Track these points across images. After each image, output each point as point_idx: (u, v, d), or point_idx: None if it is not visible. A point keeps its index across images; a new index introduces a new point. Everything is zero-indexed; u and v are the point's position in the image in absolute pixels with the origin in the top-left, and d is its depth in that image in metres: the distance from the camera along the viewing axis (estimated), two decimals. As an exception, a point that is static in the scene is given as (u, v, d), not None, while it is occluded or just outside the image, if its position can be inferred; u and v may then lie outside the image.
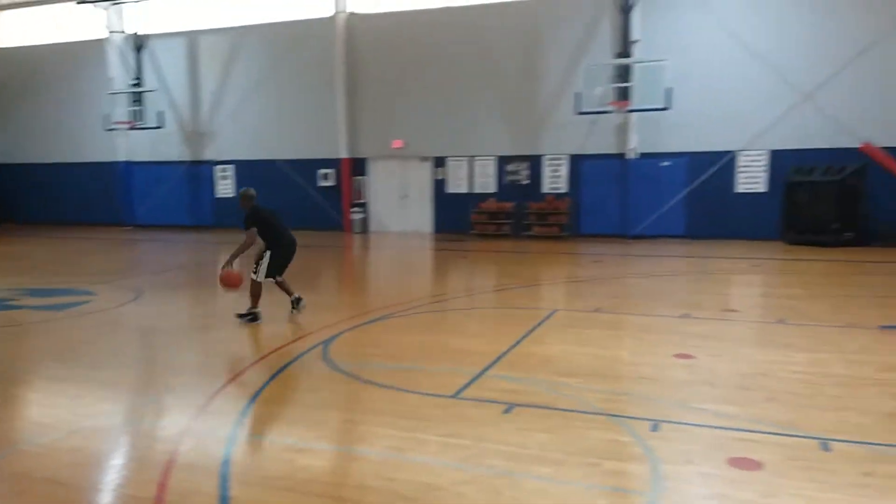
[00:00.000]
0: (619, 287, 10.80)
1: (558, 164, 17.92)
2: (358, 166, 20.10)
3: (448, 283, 12.40)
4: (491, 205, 18.51)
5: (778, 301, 9.47)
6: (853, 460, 4.15)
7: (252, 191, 8.30)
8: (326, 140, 19.92)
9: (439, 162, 19.22)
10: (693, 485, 3.84)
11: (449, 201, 19.18)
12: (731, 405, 5.16)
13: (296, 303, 8.39)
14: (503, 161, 18.48)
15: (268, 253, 8.12)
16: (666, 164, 16.63)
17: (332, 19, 19.38)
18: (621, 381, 5.84)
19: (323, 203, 20.38)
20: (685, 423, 4.81)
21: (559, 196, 17.91)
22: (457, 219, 18.86)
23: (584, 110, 15.56)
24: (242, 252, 7.97)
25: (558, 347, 6.95)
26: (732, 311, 8.66)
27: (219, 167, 21.77)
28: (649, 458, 4.18)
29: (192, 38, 21.47)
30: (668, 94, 14.64)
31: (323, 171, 20.17)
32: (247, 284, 8.12)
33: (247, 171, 21.23)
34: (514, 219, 18.23)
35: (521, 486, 3.83)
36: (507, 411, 5.02)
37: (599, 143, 17.24)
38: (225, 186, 21.78)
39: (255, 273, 8.08)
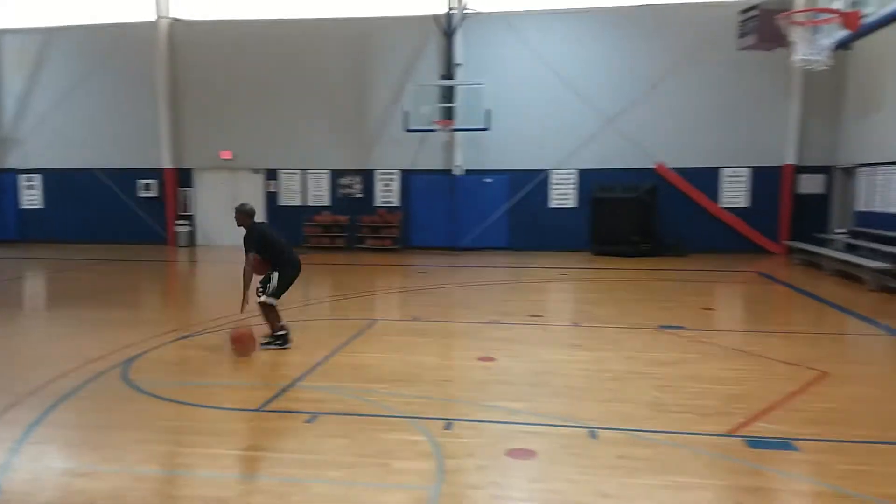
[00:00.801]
0: (439, 297, 11.28)
1: (390, 179, 18.32)
2: (183, 177, 19.22)
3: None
4: (325, 218, 18.50)
5: (576, 306, 10.39)
6: (613, 445, 4.70)
7: (251, 206, 7.54)
8: (148, 149, 18.88)
9: (271, 174, 18.90)
10: (470, 476, 4.18)
11: (281, 214, 18.86)
12: (519, 401, 5.63)
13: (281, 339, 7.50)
14: (336, 174, 18.56)
15: (276, 274, 7.31)
16: (488, 180, 17.63)
17: (154, 24, 18.44)
18: (424, 384, 6.14)
19: (144, 215, 19.24)
20: (475, 421, 5.20)
21: (391, 210, 18.30)
22: (290, 232, 18.52)
23: (412, 128, 16.10)
24: (251, 281, 7.12)
25: (371, 356, 7.15)
26: (537, 315, 9.37)
27: (24, 176, 19.85)
28: (436, 455, 4.47)
29: (-8, 37, 19.51)
30: (488, 115, 15.58)
31: (144, 181, 19.06)
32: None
33: (57, 180, 19.60)
34: (347, 232, 18.35)
35: (309, 491, 3.95)
36: (310, 420, 5.12)
37: (428, 159, 17.89)
38: (31, 197, 19.91)
39: (261, 293, 7.27)
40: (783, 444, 4.60)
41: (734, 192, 16.74)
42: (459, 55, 17.08)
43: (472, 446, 4.63)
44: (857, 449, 4.58)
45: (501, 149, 17.29)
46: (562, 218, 17.42)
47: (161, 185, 19.05)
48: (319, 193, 18.69)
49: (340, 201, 18.56)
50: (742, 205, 16.71)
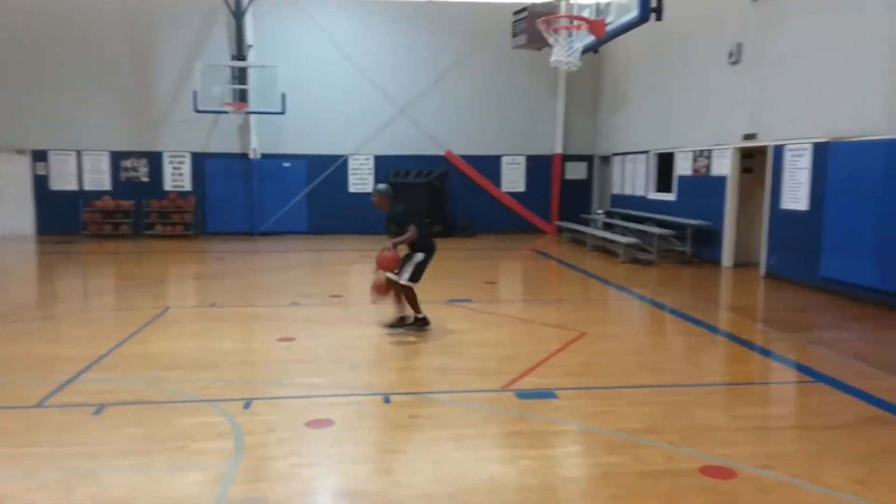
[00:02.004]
0: (238, 282, 11.10)
1: (180, 162, 17.39)
2: (-78, 157, 16.59)
3: (48, 289, 11.15)
4: (106, 203, 17.10)
5: (375, 286, 10.81)
6: (404, 407, 5.16)
7: (389, 187, 7.34)
8: None
9: (40, 156, 16.99)
10: (270, 449, 4.37)
11: (54, 199, 17.14)
12: (319, 377, 5.90)
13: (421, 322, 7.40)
14: (118, 156, 17.20)
15: (420, 255, 7.18)
16: (287, 165, 17.47)
17: None
18: (223, 368, 6.15)
19: None
20: (275, 398, 5.37)
21: (183, 194, 17.40)
22: (65, 218, 16.94)
23: (202, 109, 15.43)
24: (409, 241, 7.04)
25: (164, 344, 6.96)
26: (337, 296, 9.67)
27: None
28: (235, 433, 4.59)
29: None
30: (283, 98, 15.43)
31: None
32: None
33: None
34: (133, 217, 17.13)
35: (99, 482, 3.87)
36: (96, 412, 4.93)
37: (222, 142, 17.27)
38: None
39: (400, 275, 7.11)
40: (546, 394, 5.37)
41: (513, 178, 18.34)
42: (251, 36, 16.65)
43: (272, 422, 4.81)
44: (603, 394, 5.49)
45: (299, 133, 17.23)
46: (361, 202, 17.77)
47: None
48: (99, 177, 17.21)
49: (124, 185, 17.26)
50: (520, 189, 18.36)
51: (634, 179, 15.95)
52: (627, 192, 16.32)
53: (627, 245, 13.11)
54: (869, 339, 7.42)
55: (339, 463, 4.19)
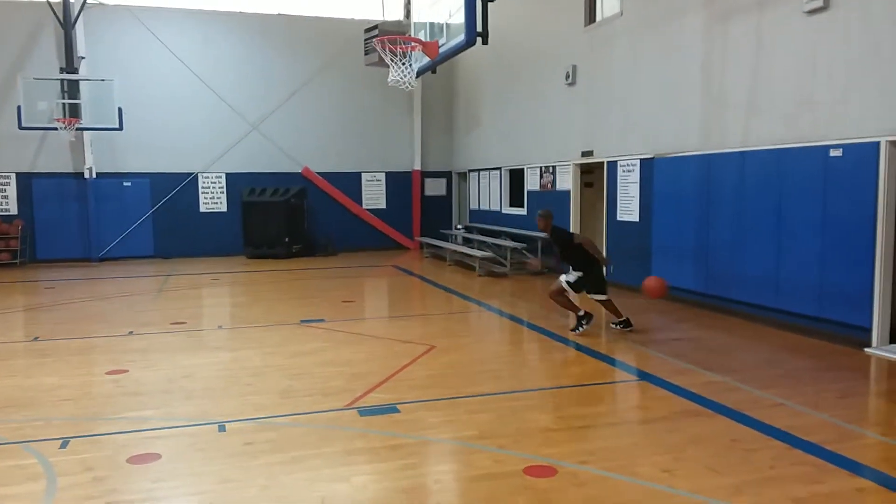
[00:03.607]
0: (69, 312, 10.26)
1: (4, 184, 15.87)
2: None
3: None
4: (-89, 230, 15.21)
5: (224, 310, 10.44)
6: (240, 434, 4.97)
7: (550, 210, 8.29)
8: None
9: None
10: (85, 489, 4.05)
11: None
12: (149, 409, 5.57)
13: (624, 324, 8.22)
14: (-74, 177, 15.41)
15: (580, 273, 8.08)
16: (128, 184, 16.45)
17: None
18: (41, 407, 5.64)
19: None
20: (97, 435, 4.99)
21: (8, 219, 15.87)
22: None
23: (28, 125, 14.19)
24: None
25: (-27, 385, 6.29)
26: (180, 323, 9.19)
27: None
28: (48, 474, 4.23)
29: None
30: (120, 113, 14.54)
31: None
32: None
33: None
34: (-54, 246, 15.37)
35: None
36: None
37: (53, 161, 15.98)
38: None
39: (595, 294, 8.19)
40: (388, 409, 5.40)
41: (374, 194, 18.41)
42: (82, 48, 15.56)
43: (91, 460, 4.47)
44: (444, 404, 5.60)
45: (141, 150, 16.30)
46: (213, 222, 17.12)
47: None
48: None
49: (-64, 209, 15.47)
50: (381, 206, 18.45)
51: (490, 195, 16.53)
52: (484, 207, 16.87)
53: (483, 258, 13.54)
54: (689, 339, 8.12)
55: (161, 498, 3.97)
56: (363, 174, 18.25)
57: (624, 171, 11.33)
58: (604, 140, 11.88)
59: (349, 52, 16.99)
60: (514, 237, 14.20)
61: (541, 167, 13.98)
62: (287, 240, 16.54)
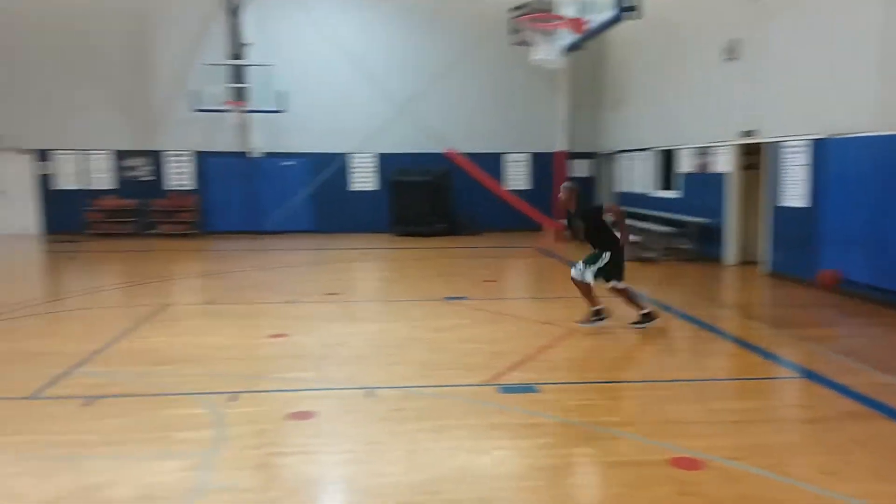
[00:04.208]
0: (237, 280, 11.21)
1: (182, 161, 17.56)
2: (-68, 157, 16.85)
3: (51, 287, 11.34)
4: (110, 202, 17.29)
5: (373, 283, 10.94)
6: (387, 400, 5.22)
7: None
8: None
9: (43, 155, 17.21)
10: (249, 439, 4.44)
11: (58, 199, 17.35)
12: (306, 372, 5.98)
13: (646, 317, 7.39)
14: (121, 155, 17.39)
15: (607, 254, 7.21)
16: (289, 163, 17.60)
17: None
18: (212, 363, 6.25)
19: None
20: (261, 391, 5.46)
21: (185, 193, 17.57)
22: (70, 218, 17.14)
23: (202, 108, 15.55)
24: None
25: (159, 340, 7.06)
26: (333, 294, 9.75)
27: None
28: (217, 424, 4.68)
29: None
30: (282, 97, 15.52)
31: None
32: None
33: None
34: (137, 217, 17.31)
35: (83, 467, 3.98)
36: (86, 404, 5.04)
37: (223, 140, 17.40)
38: None
39: (607, 280, 7.30)
40: (527, 388, 5.42)
41: (517, 175, 18.36)
42: (249, 34, 16.76)
43: (254, 414, 4.89)
44: (585, 388, 5.53)
45: (300, 131, 17.34)
46: (363, 200, 17.92)
47: None
48: (102, 176, 17.40)
49: (127, 184, 17.45)
50: (524, 187, 18.37)
51: (638, 177, 15.93)
52: (631, 189, 16.30)
53: (630, 243, 13.09)
54: (859, 336, 7.40)
55: (316, 452, 4.27)
56: (506, 154, 18.25)
57: (790, 153, 10.45)
58: (766, 119, 11.01)
59: (496, 32, 16.92)
60: (663, 221, 13.60)
61: (695, 148, 13.25)
62: (432, 218, 16.97)
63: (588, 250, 7.46)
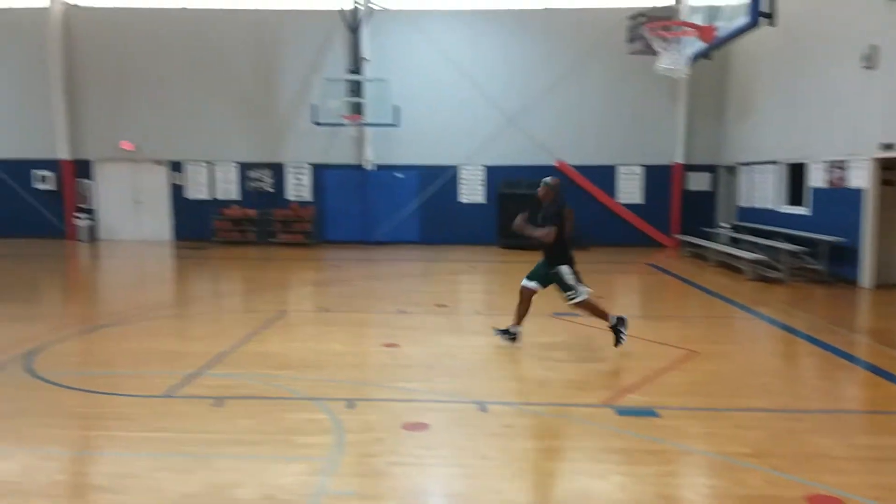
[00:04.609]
0: (350, 288, 11.56)
1: (301, 173, 18.36)
2: (82, 169, 18.56)
3: (183, 291, 12.15)
4: (234, 211, 18.34)
5: (480, 296, 10.95)
6: (499, 416, 5.18)
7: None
8: (42, 140, 18.12)
9: (176, 166, 18.54)
10: (368, 447, 4.55)
11: (189, 207, 18.59)
12: (418, 382, 6.04)
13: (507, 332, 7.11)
14: (245, 167, 18.43)
15: (565, 267, 6.84)
16: (400, 175, 18.00)
17: (47, 10, 17.68)
18: (330, 369, 6.45)
19: (41, 208, 18.46)
20: (376, 400, 5.57)
21: (303, 204, 18.36)
22: (198, 226, 18.35)
23: (321, 122, 16.21)
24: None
25: (279, 345, 7.38)
26: (442, 305, 9.84)
27: None
28: (337, 430, 4.81)
29: None
30: (396, 111, 15.91)
31: (40, 172, 18.27)
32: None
33: (-61, 170, 18.52)
34: (258, 226, 18.26)
35: (213, 466, 4.20)
36: (215, 404, 5.33)
37: (339, 153, 18.06)
38: None
39: (568, 298, 6.79)
40: (646, 412, 5.21)
41: (630, 188, 17.84)
42: (366, 50, 17.35)
43: (371, 422, 5.00)
44: (709, 415, 5.25)
45: (411, 144, 17.70)
46: (471, 213, 18.02)
47: (58, 177, 18.33)
48: (228, 186, 18.51)
49: (250, 195, 18.45)
50: (637, 201, 17.82)
51: (763, 191, 15.07)
52: (755, 204, 15.44)
53: (753, 261, 12.42)
54: None
55: (432, 465, 4.29)
56: (619, 167, 17.80)
57: (939, 167, 9.53)
58: (912, 130, 10.11)
59: (608, 42, 16.63)
60: (791, 239, 12.77)
61: (828, 161, 12.36)
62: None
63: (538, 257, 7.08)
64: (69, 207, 18.41)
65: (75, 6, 18.00)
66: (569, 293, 6.79)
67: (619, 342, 6.88)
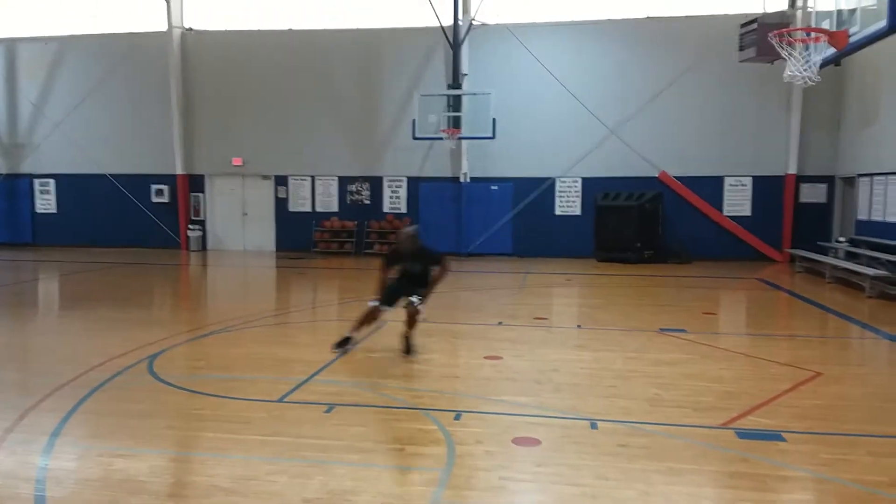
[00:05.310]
0: (447, 300, 11.57)
1: (398, 186, 18.69)
2: (195, 183, 19.65)
3: (285, 299, 12.59)
4: (333, 223, 18.87)
5: (580, 310, 10.71)
6: (613, 435, 5.01)
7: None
8: (160, 155, 19.33)
9: (281, 180, 19.29)
10: (479, 460, 4.50)
11: (291, 219, 19.29)
12: (525, 396, 5.95)
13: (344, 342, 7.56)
14: (345, 181, 18.94)
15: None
16: (494, 188, 17.99)
17: (166, 34, 18.90)
18: (435, 380, 6.47)
19: (157, 220, 19.68)
20: (483, 412, 5.52)
21: (399, 216, 18.65)
22: (299, 237, 19.01)
23: (420, 136, 16.44)
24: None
25: (382, 354, 7.48)
26: (541, 318, 9.70)
27: (39, 181, 20.34)
28: (447, 441, 4.79)
29: (9, 46, 20.10)
30: (494, 124, 15.91)
31: (157, 186, 19.49)
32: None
33: (71, 185, 20.10)
34: (356, 237, 18.71)
35: (331, 472, 4.27)
36: (328, 411, 5.44)
37: (435, 166, 18.25)
38: (45, 201, 20.39)
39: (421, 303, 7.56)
40: (772, 436, 4.90)
41: (737, 200, 17.03)
42: (466, 65, 17.48)
43: (481, 435, 4.95)
44: (839, 440, 4.88)
45: (507, 157, 17.64)
46: (567, 225, 17.74)
47: (173, 191, 19.48)
48: (328, 199, 19.07)
49: (349, 207, 18.93)
50: (745, 213, 16.99)
51: (886, 204, 14.02)
52: (877, 217, 14.38)
53: (875, 278, 11.56)
54: None
55: (547, 482, 4.19)
56: (726, 178, 17.04)
57: None
58: None
59: (715, 50, 15.99)
60: (918, 255, 11.79)
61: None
62: (639, 245, 16.32)
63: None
64: (182, 219, 19.52)
65: (190, 30, 19.17)
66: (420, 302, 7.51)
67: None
